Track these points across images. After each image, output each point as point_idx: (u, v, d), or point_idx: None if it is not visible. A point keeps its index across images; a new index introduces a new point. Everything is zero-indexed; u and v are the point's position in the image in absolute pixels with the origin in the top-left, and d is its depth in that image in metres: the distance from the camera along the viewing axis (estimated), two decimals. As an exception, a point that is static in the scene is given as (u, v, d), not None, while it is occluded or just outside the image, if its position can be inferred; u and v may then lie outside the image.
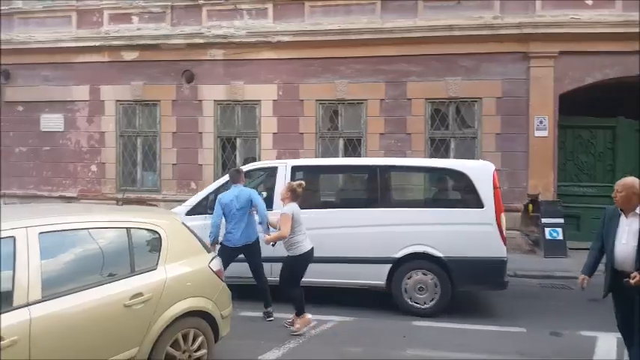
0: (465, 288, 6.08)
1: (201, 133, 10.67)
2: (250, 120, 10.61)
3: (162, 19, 10.76)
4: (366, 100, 10.05)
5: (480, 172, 5.96)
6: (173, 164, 10.80)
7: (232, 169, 6.20)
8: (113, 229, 3.66)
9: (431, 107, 9.88)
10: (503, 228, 5.81)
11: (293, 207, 5.19)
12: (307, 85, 10.22)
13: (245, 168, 6.49)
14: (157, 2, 10.74)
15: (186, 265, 3.96)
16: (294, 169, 6.35)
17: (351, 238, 5.98)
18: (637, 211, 3.70)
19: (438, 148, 9.82)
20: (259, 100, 10.45)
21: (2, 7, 11.30)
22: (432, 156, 9.58)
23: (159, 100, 10.84)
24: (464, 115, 9.84)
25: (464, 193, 6.15)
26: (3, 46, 11.16)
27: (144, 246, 3.83)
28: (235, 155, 10.64)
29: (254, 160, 10.00)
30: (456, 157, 9.41)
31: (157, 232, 3.87)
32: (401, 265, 5.91)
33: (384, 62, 9.87)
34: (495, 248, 5.74)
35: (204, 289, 4.03)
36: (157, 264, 3.76)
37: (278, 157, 10.29)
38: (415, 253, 5.87)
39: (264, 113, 10.45)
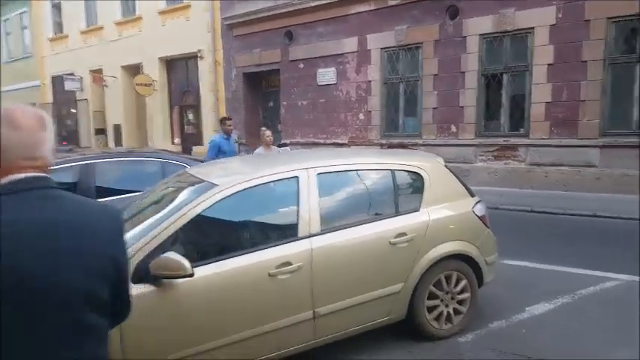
0: None
1: (463, 72, 10.07)
2: (521, 52, 9.41)
3: (436, -48, 10.23)
4: (686, 9, 7.59)
5: None
6: (434, 108, 10.62)
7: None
8: (379, 170, 3.79)
9: None
10: None
11: None
12: (596, 2, 8.31)
13: None
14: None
15: (449, 208, 3.89)
16: None
17: None
18: None
19: None
20: (532, 28, 9.11)
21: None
22: None
23: (421, 43, 10.66)
24: None
25: None
26: (285, 10, 12.70)
27: (407, 188, 3.91)
28: (501, 94, 9.70)
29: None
30: None
31: (420, 175, 3.87)
32: None
33: None
34: None
35: (467, 233, 3.92)
36: (419, 206, 3.78)
37: (553, 93, 8.92)
38: None
39: (537, 42, 9.08)
